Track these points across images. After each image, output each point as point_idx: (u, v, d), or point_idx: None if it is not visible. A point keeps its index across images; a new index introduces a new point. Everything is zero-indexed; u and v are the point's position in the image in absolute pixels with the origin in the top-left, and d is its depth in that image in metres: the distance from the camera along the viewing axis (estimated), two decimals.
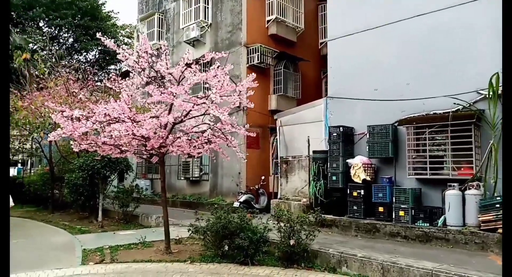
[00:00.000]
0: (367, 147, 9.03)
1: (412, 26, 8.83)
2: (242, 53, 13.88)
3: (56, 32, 21.98)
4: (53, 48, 10.87)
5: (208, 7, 15.16)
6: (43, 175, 14.88)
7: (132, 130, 5.36)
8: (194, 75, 6.08)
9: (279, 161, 11.60)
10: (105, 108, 5.53)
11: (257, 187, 13.72)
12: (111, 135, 5.69)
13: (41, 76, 10.74)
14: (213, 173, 14.70)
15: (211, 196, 14.58)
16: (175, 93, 5.66)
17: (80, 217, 12.03)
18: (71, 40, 23.94)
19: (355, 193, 8.95)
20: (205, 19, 15.02)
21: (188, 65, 6.56)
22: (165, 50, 6.70)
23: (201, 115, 6.37)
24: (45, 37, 12.56)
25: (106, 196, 10.96)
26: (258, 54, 13.69)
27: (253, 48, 13.79)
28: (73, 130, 5.83)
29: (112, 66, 23.53)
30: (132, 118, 5.43)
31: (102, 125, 5.62)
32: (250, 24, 14.19)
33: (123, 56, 6.46)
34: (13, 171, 28.82)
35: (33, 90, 9.97)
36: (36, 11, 17.89)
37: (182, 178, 15.54)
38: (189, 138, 6.55)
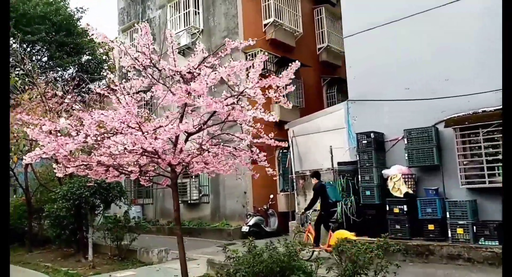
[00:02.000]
0: (406, 155, 7.76)
1: (450, 12, 7.72)
2: (240, 59, 12.57)
3: (29, 49, 20.19)
4: (26, 63, 9.23)
5: (198, 12, 13.88)
6: (18, 207, 12.94)
7: (142, 144, 3.89)
8: (213, 69, 4.70)
9: (294, 177, 10.20)
10: (102, 114, 4.04)
11: (265, 207, 12.24)
12: (110, 152, 4.20)
13: (11, 92, 9.11)
14: (214, 194, 13.14)
15: (213, 220, 12.99)
16: (193, 92, 4.25)
17: (64, 255, 10.21)
18: (45, 58, 22.16)
19: (396, 210, 7.62)
20: (196, 25, 13.71)
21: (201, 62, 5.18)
22: (171, 42, 5.31)
23: (231, 120, 4.93)
24: (17, 55, 10.92)
25: (97, 229, 9.24)
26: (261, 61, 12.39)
27: (252, 54, 12.52)
28: (57, 148, 4.29)
29: (91, 86, 21.79)
30: (139, 127, 3.97)
31: (98, 138, 4.13)
32: (247, 28, 12.95)
33: (118, 53, 5.00)
34: None
35: None
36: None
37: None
38: (216, 152, 5.09)
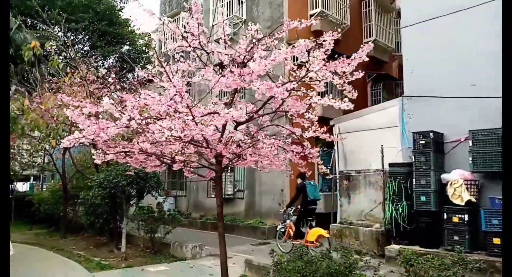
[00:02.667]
0: (470, 158, 6.95)
1: None
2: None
3: (72, 37, 20.48)
4: (69, 47, 9.07)
5: (242, 1, 13.41)
6: (55, 192, 13.00)
7: (192, 130, 3.41)
8: (271, 51, 4.19)
9: (337, 177, 9.55)
10: (148, 95, 3.59)
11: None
12: (154, 139, 3.77)
13: (53, 75, 9.01)
14: (249, 190, 12.68)
15: (247, 217, 12.54)
16: (247, 76, 3.74)
17: (97, 244, 10.07)
18: (87, 47, 22.48)
19: (455, 219, 6.85)
20: (239, 14, 13.26)
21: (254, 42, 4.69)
22: (223, 21, 4.87)
23: (282, 111, 4.41)
24: (61, 41, 10.84)
25: (131, 220, 8.98)
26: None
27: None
28: (98, 132, 3.91)
29: (130, 75, 21.91)
30: (190, 112, 3.50)
31: (143, 122, 3.69)
32: (292, 18, 12.32)
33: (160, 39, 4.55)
34: (24, 187, 27.12)
35: (45, 92, 8.14)
36: (51, 13, 16.35)
37: (213, 195, 13.53)
38: (270, 144, 4.58)
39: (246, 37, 5.07)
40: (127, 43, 24.27)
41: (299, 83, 4.04)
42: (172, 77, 3.76)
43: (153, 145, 4.05)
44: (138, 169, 5.83)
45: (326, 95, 4.15)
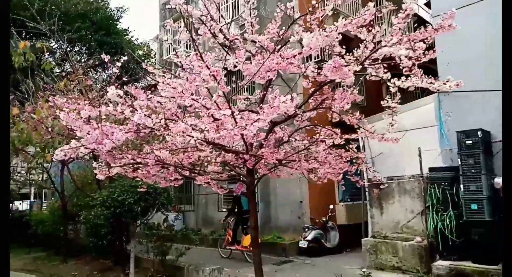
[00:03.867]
0: None
1: None
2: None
3: (69, 48, 19.69)
4: (67, 58, 8.23)
5: (248, 1, 12.61)
6: (54, 212, 12.03)
7: (229, 130, 2.50)
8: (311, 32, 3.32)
9: (366, 185, 8.62)
10: (168, 85, 2.70)
11: (324, 219, 10.65)
12: (174, 146, 2.86)
13: (47, 84, 8.14)
14: (264, 203, 11.72)
15: (263, 232, 11.52)
16: (292, 59, 2.87)
17: (102, 268, 9.07)
18: (84, 59, 21.70)
19: None
20: (245, 15, 12.45)
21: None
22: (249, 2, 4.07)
23: (323, 107, 3.52)
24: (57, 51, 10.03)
25: (139, 242, 8.01)
26: (317, 55, 10.98)
27: None
28: (100, 139, 3.01)
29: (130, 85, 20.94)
30: (229, 105, 2.61)
31: (162, 122, 2.79)
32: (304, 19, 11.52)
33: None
34: (24, 205, 25.99)
35: (38, 101, 7.25)
36: (46, 23, 15.56)
37: (223, 209, 12.58)
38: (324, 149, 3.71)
39: (276, 18, 4.25)
40: (126, 53, 23.52)
41: (368, 64, 3.15)
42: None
43: (173, 153, 3.14)
44: (151, 184, 4.91)
45: (418, 75, 3.22)
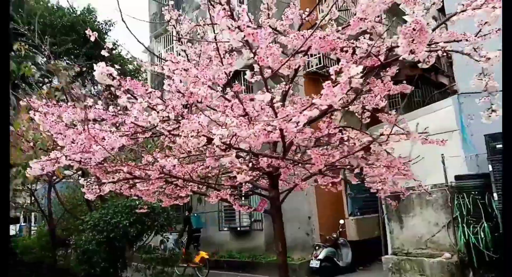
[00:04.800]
0: None
1: None
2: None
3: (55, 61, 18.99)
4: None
5: (244, 8, 12.10)
6: (41, 236, 11.09)
7: (268, 127, 1.80)
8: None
9: (383, 197, 7.92)
10: (178, 64, 2.01)
11: (334, 236, 9.89)
12: (184, 152, 2.16)
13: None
14: (269, 220, 10.88)
15: (269, 251, 10.72)
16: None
17: None
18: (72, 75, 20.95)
19: None
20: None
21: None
22: None
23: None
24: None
25: (137, 269, 7.17)
26: (318, 57, 10.45)
27: None
28: (88, 146, 2.31)
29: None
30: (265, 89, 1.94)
31: (172, 116, 2.09)
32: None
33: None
34: (14, 230, 24.72)
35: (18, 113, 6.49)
36: (30, 36, 14.89)
37: (225, 228, 11.75)
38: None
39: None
40: (115, 68, 22.90)
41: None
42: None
43: (185, 162, 2.44)
44: (149, 203, 4.17)
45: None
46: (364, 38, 2.47)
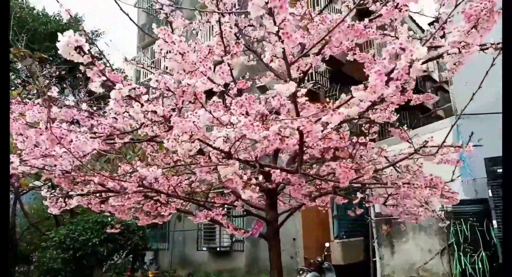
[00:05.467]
0: None
1: None
2: None
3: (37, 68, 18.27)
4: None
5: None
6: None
7: (286, 130, 1.40)
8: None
9: (373, 220, 7.58)
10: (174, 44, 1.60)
11: (319, 259, 9.41)
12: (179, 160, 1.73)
13: None
14: (251, 241, 10.39)
15: (250, 273, 10.16)
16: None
17: None
18: (54, 86, 20.23)
19: None
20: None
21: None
22: None
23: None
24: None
25: None
26: (309, 73, 10.19)
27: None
28: (51, 148, 1.86)
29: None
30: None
31: (161, 112, 1.68)
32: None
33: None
34: None
35: None
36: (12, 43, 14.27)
37: (204, 248, 11.13)
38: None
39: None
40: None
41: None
42: None
43: (171, 172, 1.99)
44: (123, 221, 3.65)
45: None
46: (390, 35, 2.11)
